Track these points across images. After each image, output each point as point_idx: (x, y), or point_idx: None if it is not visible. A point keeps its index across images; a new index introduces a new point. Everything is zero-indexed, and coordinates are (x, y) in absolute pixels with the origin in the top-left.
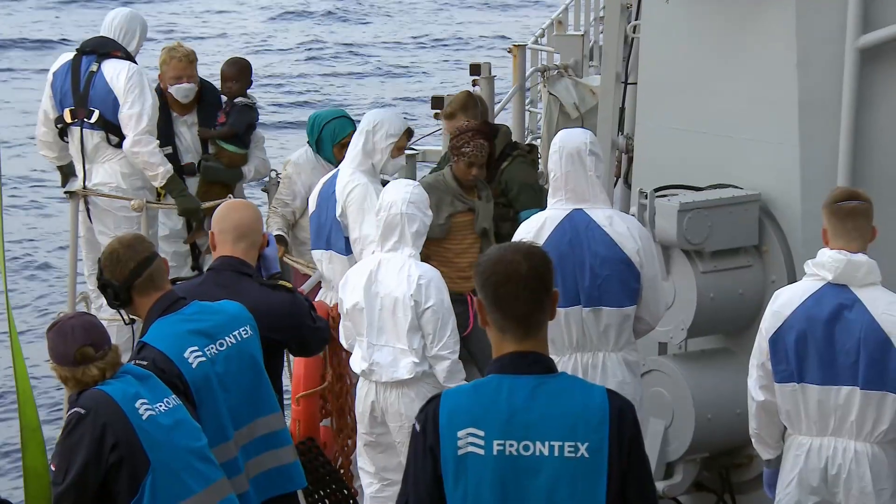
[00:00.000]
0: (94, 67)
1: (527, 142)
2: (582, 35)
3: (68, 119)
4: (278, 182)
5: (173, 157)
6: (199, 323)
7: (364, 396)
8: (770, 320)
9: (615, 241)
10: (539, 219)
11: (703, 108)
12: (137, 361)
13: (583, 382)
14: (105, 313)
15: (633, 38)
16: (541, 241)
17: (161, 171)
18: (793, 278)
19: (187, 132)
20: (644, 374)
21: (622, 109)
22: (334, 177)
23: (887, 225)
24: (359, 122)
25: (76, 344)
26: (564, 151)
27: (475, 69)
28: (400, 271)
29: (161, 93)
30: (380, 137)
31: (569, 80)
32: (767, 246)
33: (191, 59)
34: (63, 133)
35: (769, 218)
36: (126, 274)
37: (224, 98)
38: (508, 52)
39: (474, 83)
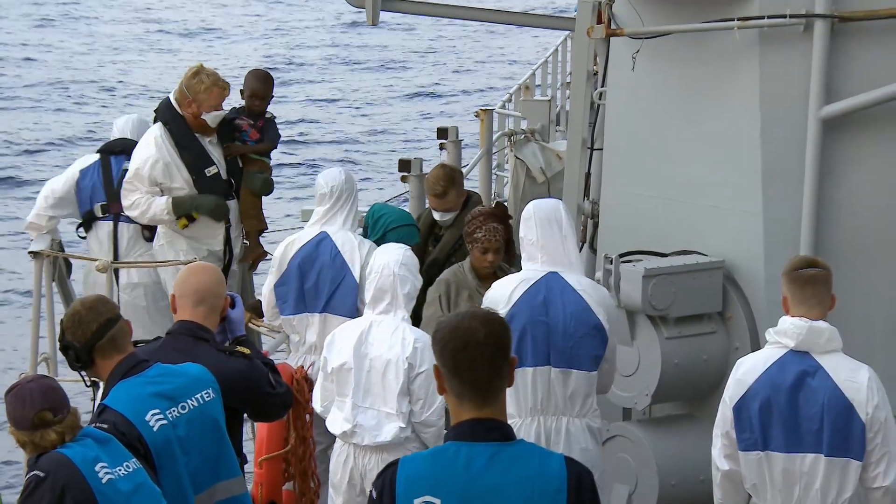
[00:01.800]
0: (126, 166)
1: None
2: (549, 100)
3: (99, 213)
4: None
5: (218, 178)
6: (162, 385)
7: (342, 463)
8: (733, 388)
9: (590, 306)
10: (513, 279)
11: (667, 174)
12: (98, 424)
13: (541, 450)
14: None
15: (598, 105)
16: (514, 299)
17: (158, 211)
18: (756, 345)
19: (215, 151)
20: (608, 440)
21: (588, 174)
22: (322, 241)
23: (848, 293)
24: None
25: (34, 408)
26: (538, 217)
27: (442, 133)
28: (394, 334)
29: (178, 116)
30: (352, 189)
31: (535, 145)
32: (731, 312)
33: (227, 87)
34: (87, 226)
35: (733, 284)
36: (88, 336)
37: (233, 111)
38: (476, 115)
39: (441, 147)
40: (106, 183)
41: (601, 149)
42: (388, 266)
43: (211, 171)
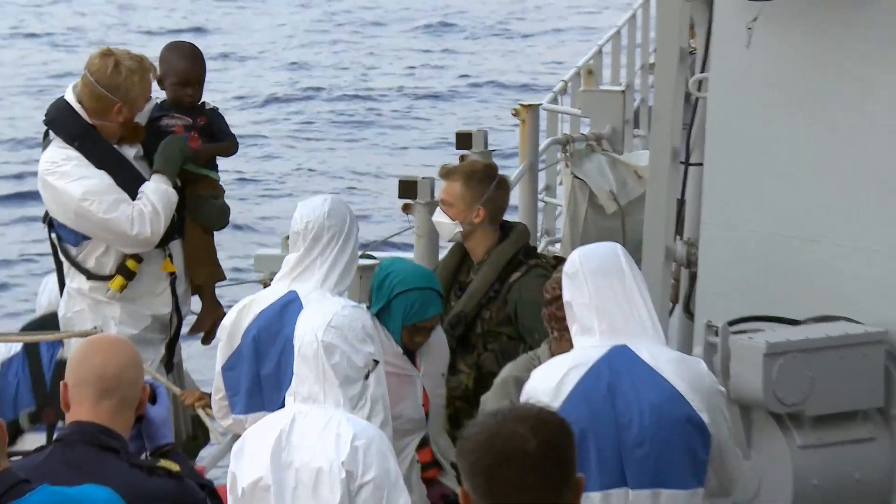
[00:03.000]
0: (62, 354)
1: (540, 247)
2: (622, 91)
3: (25, 425)
4: None
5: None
6: None
7: None
8: None
9: (678, 391)
10: (561, 363)
11: (800, 203)
12: None
13: None
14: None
15: (697, 98)
16: (564, 393)
17: (160, 195)
18: None
19: (143, 168)
20: None
21: (681, 202)
22: (288, 305)
23: None
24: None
25: None
26: (588, 270)
27: (464, 140)
28: (324, 430)
29: (88, 127)
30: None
31: (603, 158)
32: None
33: (154, 69)
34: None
35: None
36: None
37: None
38: (514, 114)
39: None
40: (35, 382)
41: (701, 164)
42: (310, 330)
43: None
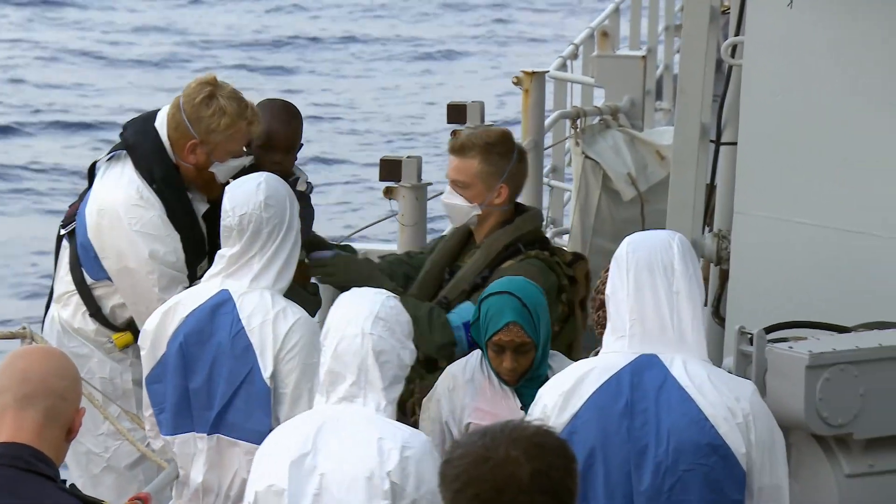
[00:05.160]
0: None
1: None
2: (643, 57)
3: None
4: None
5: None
6: None
7: None
8: None
9: (704, 414)
10: (579, 368)
11: (851, 190)
12: None
13: None
14: None
15: (730, 66)
16: (578, 404)
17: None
18: None
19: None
20: None
21: (711, 187)
22: (219, 307)
23: None
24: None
25: None
26: (634, 259)
27: (457, 112)
28: (363, 434)
29: (171, 167)
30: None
31: (619, 135)
32: None
33: (256, 122)
34: None
35: None
36: None
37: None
38: (515, 82)
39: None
40: None
41: (734, 143)
42: (353, 322)
43: (202, 266)
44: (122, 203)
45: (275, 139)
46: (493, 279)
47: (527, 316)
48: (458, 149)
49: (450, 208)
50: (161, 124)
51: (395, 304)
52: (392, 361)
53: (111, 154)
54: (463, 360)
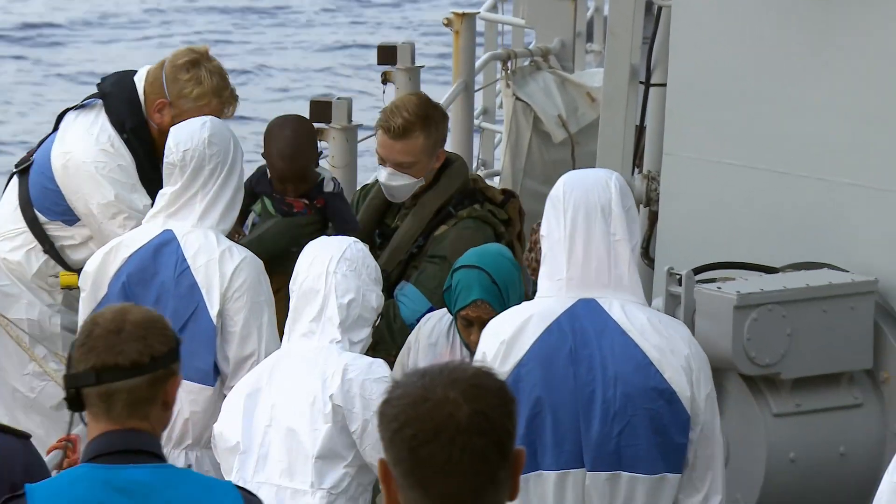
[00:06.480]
0: None
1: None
2: None
3: None
4: None
5: None
6: None
7: None
8: None
9: (649, 358)
10: (518, 314)
11: (779, 132)
12: None
13: None
14: None
15: (659, 7)
16: (521, 352)
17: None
18: None
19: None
20: None
21: (640, 128)
22: (163, 246)
23: None
24: None
25: None
26: (571, 199)
27: (387, 54)
28: (311, 364)
29: (144, 121)
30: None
31: (550, 77)
32: (888, 371)
33: (234, 101)
34: None
35: (892, 321)
36: None
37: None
38: (446, 23)
39: (385, 79)
40: None
41: (664, 84)
42: (317, 263)
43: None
44: (92, 147)
45: (284, 176)
46: (429, 247)
47: (495, 292)
48: (401, 133)
49: (394, 189)
50: (140, 79)
51: (362, 247)
52: (357, 300)
53: (85, 101)
54: (436, 317)
